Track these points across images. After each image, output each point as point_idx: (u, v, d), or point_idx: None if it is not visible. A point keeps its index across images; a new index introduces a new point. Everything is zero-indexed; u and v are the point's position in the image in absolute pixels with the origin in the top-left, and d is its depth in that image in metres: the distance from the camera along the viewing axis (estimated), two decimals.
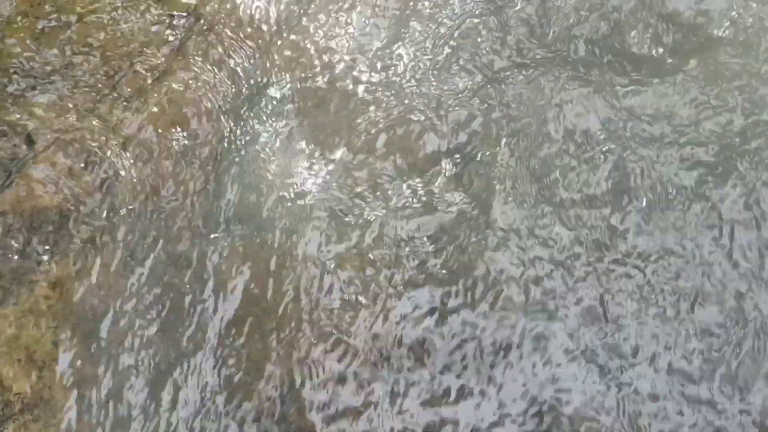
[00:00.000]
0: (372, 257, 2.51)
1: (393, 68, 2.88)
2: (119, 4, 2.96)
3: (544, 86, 2.76)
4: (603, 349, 2.31)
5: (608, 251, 2.46)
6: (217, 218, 2.60)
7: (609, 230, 2.49)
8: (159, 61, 2.86)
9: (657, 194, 2.54)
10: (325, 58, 2.91)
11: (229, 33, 2.94)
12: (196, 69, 2.86)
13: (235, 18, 2.97)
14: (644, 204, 2.52)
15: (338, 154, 2.72)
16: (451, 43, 2.90)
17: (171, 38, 2.92)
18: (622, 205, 2.53)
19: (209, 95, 2.81)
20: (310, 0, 3.01)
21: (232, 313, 2.43)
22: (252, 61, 2.90)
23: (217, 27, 2.95)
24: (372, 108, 2.79)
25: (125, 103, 2.78)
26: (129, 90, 2.81)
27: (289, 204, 2.63)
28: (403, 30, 2.94)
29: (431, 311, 2.40)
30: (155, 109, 2.77)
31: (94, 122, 2.73)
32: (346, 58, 2.90)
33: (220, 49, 2.90)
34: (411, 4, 2.98)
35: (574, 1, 2.93)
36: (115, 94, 2.80)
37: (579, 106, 2.71)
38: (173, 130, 2.75)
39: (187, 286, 2.48)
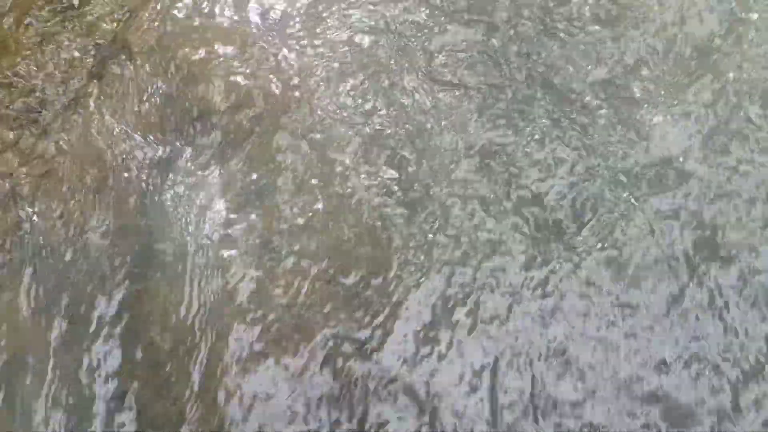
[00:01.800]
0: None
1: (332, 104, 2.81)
2: (36, 31, 2.84)
3: None
4: None
5: None
6: (135, 262, 2.52)
7: None
8: (78, 90, 2.75)
9: None
10: (258, 91, 2.81)
11: (153, 62, 2.84)
12: (117, 99, 2.75)
13: (160, 46, 2.87)
14: None
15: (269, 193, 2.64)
16: None
17: (91, 67, 2.81)
18: None
19: (130, 127, 2.71)
20: (244, 36, 2.91)
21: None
22: (177, 92, 2.79)
23: (140, 56, 2.84)
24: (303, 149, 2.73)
25: (42, 135, 2.68)
26: (46, 121, 2.70)
27: (210, 252, 2.55)
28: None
29: None
30: (73, 141, 2.67)
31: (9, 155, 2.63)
32: (276, 92, 2.81)
33: (143, 79, 2.80)
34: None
35: None
36: (32, 128, 2.69)
37: None
38: (91, 165, 2.65)
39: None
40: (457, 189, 2.57)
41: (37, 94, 2.76)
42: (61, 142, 2.68)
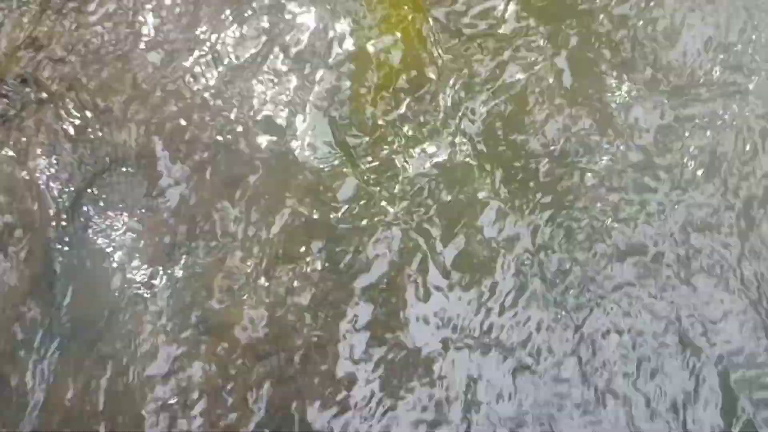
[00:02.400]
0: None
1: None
2: None
3: None
4: None
5: None
6: (46, 327, 2.35)
7: None
8: None
9: None
10: (187, 135, 2.67)
11: (72, 103, 2.65)
12: (31, 144, 2.55)
13: (79, 86, 2.67)
14: None
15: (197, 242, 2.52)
16: None
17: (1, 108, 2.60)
18: None
19: (45, 176, 2.52)
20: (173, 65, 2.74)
21: None
22: (99, 136, 2.61)
23: (58, 96, 2.64)
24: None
25: None
26: None
27: (135, 309, 2.42)
28: None
29: None
30: None
31: None
32: (205, 140, 2.67)
33: (60, 122, 2.60)
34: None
35: None
36: None
37: None
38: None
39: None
40: None
41: None
42: None
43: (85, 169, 2.56)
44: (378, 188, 2.63)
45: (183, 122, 2.65)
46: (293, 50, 2.77)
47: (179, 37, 2.75)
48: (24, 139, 2.57)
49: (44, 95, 2.62)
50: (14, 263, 2.41)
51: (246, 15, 2.81)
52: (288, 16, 2.82)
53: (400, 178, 2.65)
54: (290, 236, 2.54)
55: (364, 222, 2.58)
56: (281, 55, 2.77)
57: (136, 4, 2.76)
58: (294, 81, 2.74)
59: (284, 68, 2.76)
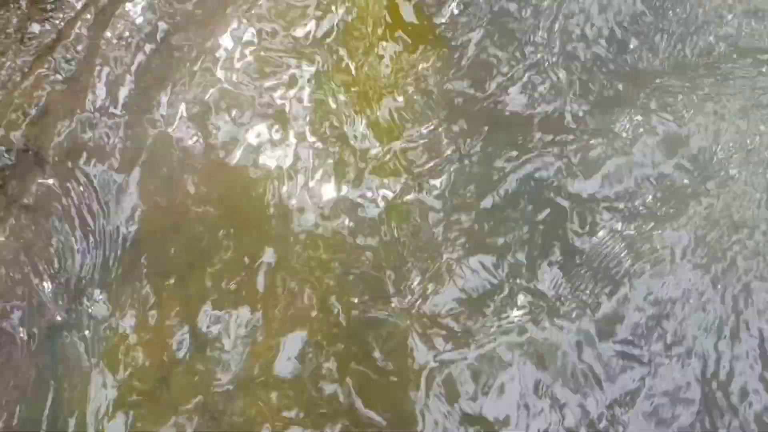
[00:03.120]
0: None
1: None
2: None
3: None
4: None
5: None
6: None
7: None
8: None
9: None
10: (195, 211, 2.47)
11: (65, 173, 2.47)
12: (19, 223, 2.37)
13: (75, 154, 2.51)
14: None
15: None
16: None
17: None
18: None
19: (33, 258, 2.32)
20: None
21: None
22: (101, 217, 2.43)
23: (51, 166, 2.48)
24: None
25: None
26: None
27: None
28: None
29: None
30: None
31: None
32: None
33: (55, 198, 2.43)
34: None
35: None
36: None
37: None
38: None
39: None
40: None
41: None
42: None
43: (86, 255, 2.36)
44: None
45: None
46: None
47: None
48: (19, 215, 2.39)
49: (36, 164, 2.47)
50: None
51: None
52: None
53: None
54: None
55: None
56: None
57: None
58: None
59: None
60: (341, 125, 2.57)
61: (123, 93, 2.57)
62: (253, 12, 2.73)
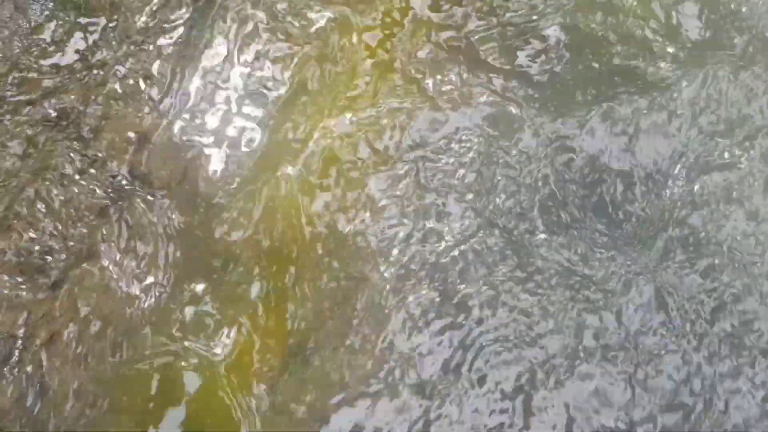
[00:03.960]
0: None
1: None
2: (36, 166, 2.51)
3: None
4: None
5: None
6: None
7: None
8: (85, 239, 2.42)
9: None
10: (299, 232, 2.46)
11: (178, 198, 2.50)
12: (132, 249, 2.44)
13: (185, 179, 2.53)
14: None
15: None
16: None
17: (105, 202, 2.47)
18: None
19: (136, 286, 2.40)
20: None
21: None
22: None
23: (162, 192, 2.52)
24: None
25: (51, 292, 2.38)
26: (56, 272, 2.40)
27: None
28: None
29: None
30: (82, 301, 2.36)
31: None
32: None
33: (165, 224, 2.47)
34: None
35: None
36: (43, 279, 2.40)
37: None
38: (103, 326, 2.34)
39: None
40: None
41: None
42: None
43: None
44: None
45: None
46: None
47: None
48: (131, 240, 2.46)
49: (148, 191, 2.52)
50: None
51: None
52: None
53: None
54: None
55: None
56: None
57: None
58: None
59: None
60: None
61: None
62: None
